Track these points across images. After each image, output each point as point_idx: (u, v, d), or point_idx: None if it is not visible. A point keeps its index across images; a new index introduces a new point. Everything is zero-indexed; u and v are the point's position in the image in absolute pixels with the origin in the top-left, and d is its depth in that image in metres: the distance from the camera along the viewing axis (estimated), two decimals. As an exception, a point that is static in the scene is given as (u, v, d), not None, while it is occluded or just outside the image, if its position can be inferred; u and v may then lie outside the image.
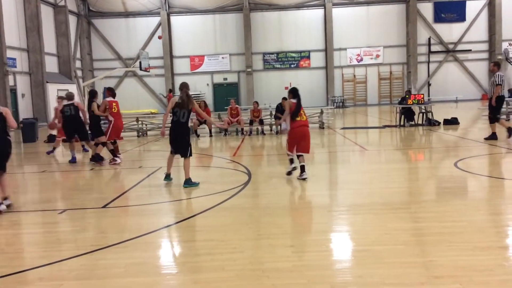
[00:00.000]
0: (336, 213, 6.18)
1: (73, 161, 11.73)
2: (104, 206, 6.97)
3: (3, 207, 6.88)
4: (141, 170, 10.34)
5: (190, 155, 8.28)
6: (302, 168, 8.26)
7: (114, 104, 11.24)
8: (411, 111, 18.05)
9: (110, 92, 11.62)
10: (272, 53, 38.14)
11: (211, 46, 38.10)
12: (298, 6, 37.77)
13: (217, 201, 6.83)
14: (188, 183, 8.07)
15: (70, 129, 11.61)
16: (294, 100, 8.36)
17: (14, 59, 27.07)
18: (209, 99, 36.09)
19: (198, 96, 35.80)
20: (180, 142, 8.25)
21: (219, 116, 19.90)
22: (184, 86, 8.31)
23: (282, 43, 38.01)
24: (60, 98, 12.96)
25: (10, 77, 25.84)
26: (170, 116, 8.31)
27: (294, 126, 8.31)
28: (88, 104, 11.22)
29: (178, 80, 37.56)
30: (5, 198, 7.07)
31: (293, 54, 38.13)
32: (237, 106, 18.33)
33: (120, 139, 11.74)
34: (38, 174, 10.82)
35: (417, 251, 4.66)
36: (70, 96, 11.59)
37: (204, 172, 10.21)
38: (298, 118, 8.31)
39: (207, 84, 38.33)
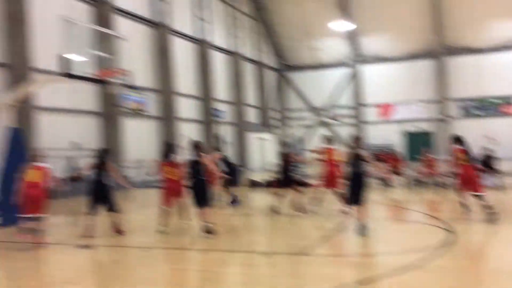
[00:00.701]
0: None
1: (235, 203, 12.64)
2: (301, 253, 7.19)
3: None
4: (335, 218, 10.44)
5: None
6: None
7: (328, 151, 10.98)
8: None
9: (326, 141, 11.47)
10: (469, 100, 35.46)
11: (402, 94, 37.22)
12: (498, 49, 34.66)
13: (415, 259, 6.48)
14: (364, 230, 8.18)
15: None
16: (459, 146, 9.53)
17: (222, 110, 30.55)
18: (400, 149, 34.94)
19: (388, 146, 35.00)
20: (363, 192, 8.45)
21: (412, 167, 19.05)
22: (358, 140, 8.86)
23: (481, 89, 35.04)
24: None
25: (218, 127, 29.14)
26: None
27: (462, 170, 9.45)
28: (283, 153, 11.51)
29: (368, 129, 37.42)
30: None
31: (495, 100, 34.82)
32: (432, 156, 17.37)
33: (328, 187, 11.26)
34: (239, 216, 11.74)
35: None
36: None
37: (398, 226, 9.85)
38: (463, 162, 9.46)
39: (399, 133, 37.30)
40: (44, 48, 16.58)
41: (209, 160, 8.95)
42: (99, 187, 8.80)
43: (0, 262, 7.80)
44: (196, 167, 8.57)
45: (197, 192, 8.59)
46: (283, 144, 11.82)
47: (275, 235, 9.32)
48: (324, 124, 39.25)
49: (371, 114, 38.20)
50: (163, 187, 9.23)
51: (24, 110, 15.45)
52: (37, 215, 8.26)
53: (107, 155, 9.11)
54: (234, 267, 6.83)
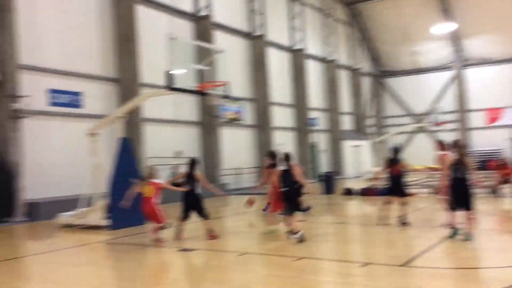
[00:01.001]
0: None
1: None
2: (400, 264, 6.97)
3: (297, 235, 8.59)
4: (437, 229, 9.98)
5: None
6: None
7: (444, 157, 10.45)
8: None
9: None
10: None
11: (511, 98, 34.52)
12: None
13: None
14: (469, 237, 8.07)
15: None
16: None
17: (316, 118, 30.50)
18: (510, 155, 32.31)
19: (496, 152, 32.55)
20: (469, 197, 8.25)
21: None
22: (460, 145, 8.55)
23: None
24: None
25: (313, 135, 29.13)
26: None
27: None
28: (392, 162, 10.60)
29: (473, 135, 35.21)
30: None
31: None
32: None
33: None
34: (335, 224, 11.65)
35: None
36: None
37: (509, 238, 9.15)
38: None
39: (508, 139, 34.57)
40: (151, 64, 17.85)
41: (299, 170, 9.15)
42: (190, 195, 9.32)
43: (108, 262, 8.49)
44: (287, 176, 8.91)
45: (289, 199, 8.92)
46: (393, 150, 10.92)
47: (372, 245, 9.11)
48: (425, 130, 37.54)
49: (476, 119, 35.86)
50: (274, 194, 9.55)
51: (133, 121, 16.73)
52: (155, 224, 8.98)
53: (195, 165, 9.57)
54: (329, 275, 6.79)
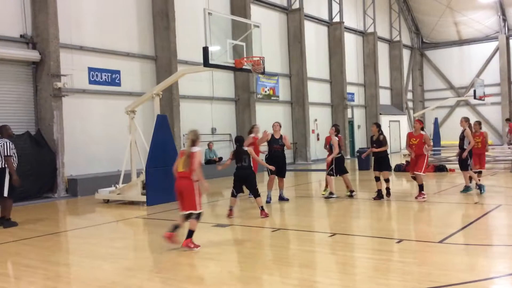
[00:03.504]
0: None
1: (268, 201, 11.02)
2: (441, 241, 6.82)
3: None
4: (478, 206, 9.70)
5: None
6: None
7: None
8: None
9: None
10: None
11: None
12: None
13: None
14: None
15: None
16: None
17: (353, 93, 29.93)
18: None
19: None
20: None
21: None
22: None
23: None
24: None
25: (349, 110, 28.64)
26: None
27: None
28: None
29: (519, 109, 33.81)
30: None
31: None
32: None
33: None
34: (371, 200, 11.47)
35: None
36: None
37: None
38: None
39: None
40: (188, 40, 17.87)
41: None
42: (240, 171, 9.21)
43: (143, 236, 8.66)
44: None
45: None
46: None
47: (410, 222, 8.95)
48: (467, 104, 36.32)
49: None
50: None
51: (170, 99, 16.88)
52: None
53: (241, 142, 9.40)
54: (363, 251, 6.71)
